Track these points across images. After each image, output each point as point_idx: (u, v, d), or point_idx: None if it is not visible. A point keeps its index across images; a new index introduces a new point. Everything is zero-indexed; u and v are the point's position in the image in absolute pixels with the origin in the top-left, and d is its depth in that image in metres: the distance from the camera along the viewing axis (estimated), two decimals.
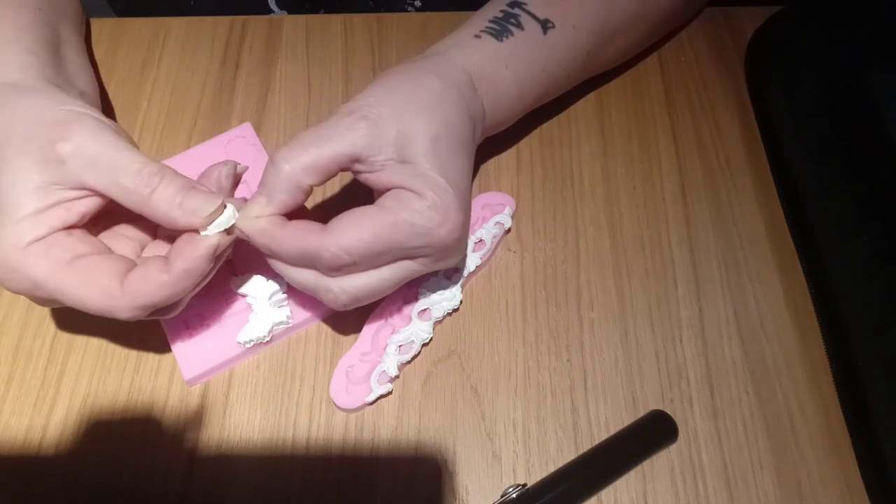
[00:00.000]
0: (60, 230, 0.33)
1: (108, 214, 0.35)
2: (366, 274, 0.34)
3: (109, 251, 0.35)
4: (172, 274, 0.32)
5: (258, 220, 0.33)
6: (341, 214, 0.33)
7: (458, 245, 0.35)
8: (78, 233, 0.33)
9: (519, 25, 0.41)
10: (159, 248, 0.37)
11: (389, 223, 0.32)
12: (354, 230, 0.32)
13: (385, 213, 0.32)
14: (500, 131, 0.44)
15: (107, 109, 0.48)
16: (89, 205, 0.33)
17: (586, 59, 0.44)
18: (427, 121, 0.34)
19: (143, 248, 0.37)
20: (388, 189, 0.34)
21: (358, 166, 0.34)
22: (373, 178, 0.35)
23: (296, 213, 0.35)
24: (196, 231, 0.33)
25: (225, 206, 0.33)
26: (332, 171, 0.34)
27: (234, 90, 0.49)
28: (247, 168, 0.36)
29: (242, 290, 0.40)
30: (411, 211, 0.32)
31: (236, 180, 0.37)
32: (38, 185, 0.32)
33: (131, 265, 0.33)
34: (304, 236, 0.32)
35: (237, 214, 0.33)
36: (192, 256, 0.32)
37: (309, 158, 0.33)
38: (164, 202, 0.32)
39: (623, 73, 0.50)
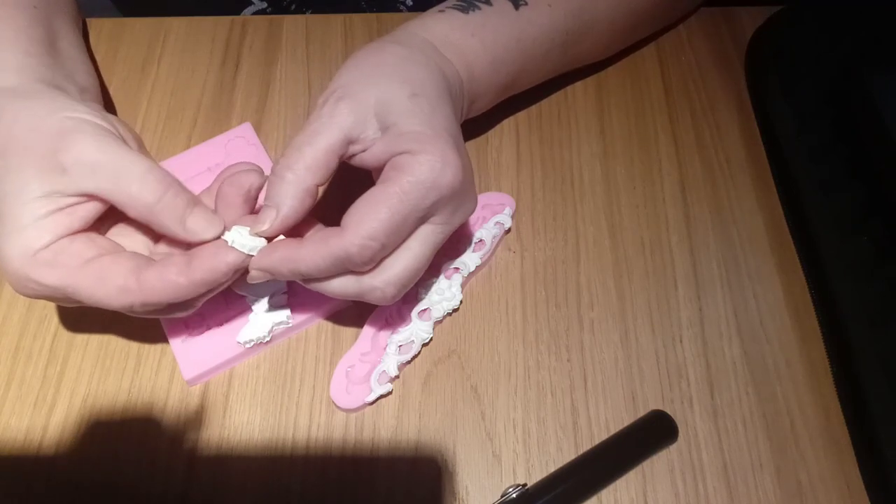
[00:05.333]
0: (65, 237, 0.33)
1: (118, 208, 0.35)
2: (398, 257, 0.33)
3: (119, 249, 0.35)
4: (189, 279, 0.32)
5: (275, 253, 0.33)
6: (350, 208, 0.33)
7: (466, 187, 0.34)
8: (83, 237, 0.33)
9: (487, 2, 0.41)
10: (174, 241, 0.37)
11: (398, 192, 0.32)
12: (370, 215, 0.31)
13: (390, 186, 0.32)
14: (496, 122, 0.43)
15: (107, 110, 0.48)
16: (91, 209, 0.33)
17: (565, 39, 0.43)
18: (400, 81, 0.34)
19: (156, 241, 0.37)
20: (384, 162, 0.34)
21: (353, 149, 0.34)
22: (368, 158, 0.34)
23: (304, 227, 0.34)
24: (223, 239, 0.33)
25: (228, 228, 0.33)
26: (333, 164, 0.34)
27: (234, 90, 0.49)
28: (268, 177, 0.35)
29: (242, 290, 0.40)
30: (411, 171, 0.32)
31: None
32: (40, 194, 0.32)
33: (144, 261, 0.33)
34: (326, 244, 0.32)
35: (265, 241, 0.33)
36: (213, 269, 0.32)
37: (307, 160, 0.33)
38: (167, 215, 0.33)
39: (623, 72, 0.50)
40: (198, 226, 0.33)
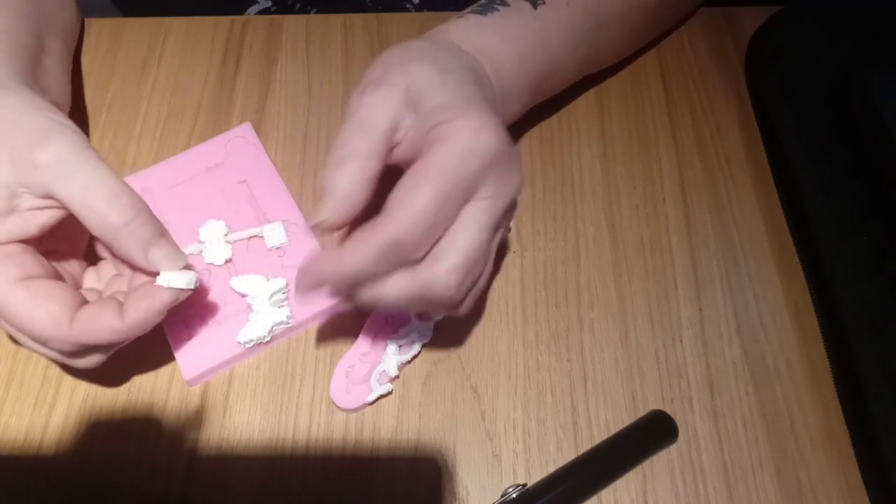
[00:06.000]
0: (16, 242, 0.32)
1: (51, 238, 0.34)
2: (452, 241, 0.31)
3: (59, 277, 0.34)
4: (126, 322, 0.32)
5: (318, 262, 0.31)
6: (392, 191, 0.31)
7: (508, 152, 0.32)
8: (32, 251, 0.33)
9: (505, 3, 0.40)
10: (95, 276, 0.37)
11: (438, 163, 0.30)
12: (412, 192, 0.30)
13: (430, 159, 0.30)
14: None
15: (107, 109, 0.48)
16: (49, 217, 0.32)
17: (586, 38, 0.43)
18: (429, 62, 0.34)
19: (76, 283, 0.36)
20: (421, 146, 0.32)
21: (396, 137, 0.33)
22: (404, 150, 0.33)
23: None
24: (152, 278, 0.33)
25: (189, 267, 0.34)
26: (384, 155, 0.32)
27: (234, 90, 0.49)
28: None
29: (242, 290, 0.40)
30: (449, 138, 0.30)
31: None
32: (6, 184, 0.31)
33: (81, 300, 0.33)
34: (371, 233, 0.30)
35: (198, 280, 0.33)
36: (150, 309, 0.32)
37: (365, 146, 0.31)
38: (133, 242, 0.32)
39: (623, 73, 0.50)
40: (160, 258, 0.32)
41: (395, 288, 0.31)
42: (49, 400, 0.39)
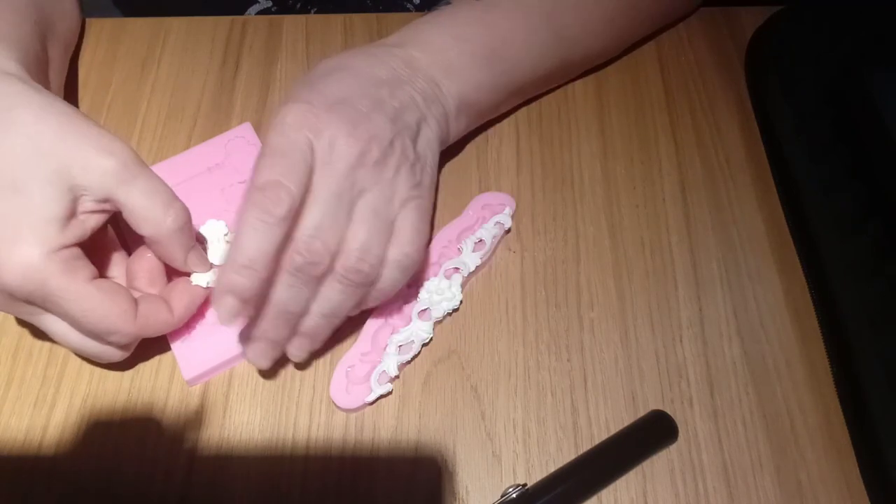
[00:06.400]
0: (77, 246, 0.33)
1: None
2: (302, 217, 0.33)
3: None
4: (175, 316, 0.36)
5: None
6: None
7: (313, 119, 0.34)
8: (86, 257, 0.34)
9: (446, 2, 0.43)
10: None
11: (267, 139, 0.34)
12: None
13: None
14: (497, 122, 0.44)
15: (107, 109, 0.48)
16: (98, 221, 0.34)
17: (550, 16, 0.43)
18: (316, 75, 0.37)
19: None
20: None
21: None
22: None
23: None
24: (187, 277, 0.37)
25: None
26: None
27: (234, 90, 0.49)
28: None
29: None
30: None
31: None
32: (72, 186, 0.32)
33: (133, 297, 0.35)
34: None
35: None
36: (192, 304, 0.37)
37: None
38: (178, 245, 0.35)
39: (623, 73, 0.50)
40: (195, 261, 0.37)
41: (286, 286, 0.34)
42: (49, 400, 0.39)
